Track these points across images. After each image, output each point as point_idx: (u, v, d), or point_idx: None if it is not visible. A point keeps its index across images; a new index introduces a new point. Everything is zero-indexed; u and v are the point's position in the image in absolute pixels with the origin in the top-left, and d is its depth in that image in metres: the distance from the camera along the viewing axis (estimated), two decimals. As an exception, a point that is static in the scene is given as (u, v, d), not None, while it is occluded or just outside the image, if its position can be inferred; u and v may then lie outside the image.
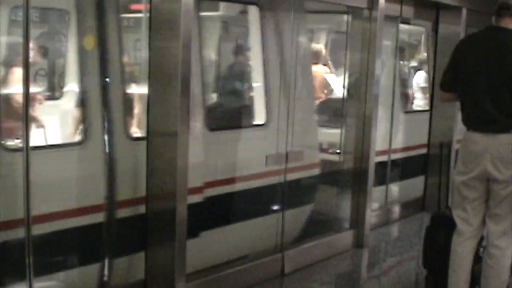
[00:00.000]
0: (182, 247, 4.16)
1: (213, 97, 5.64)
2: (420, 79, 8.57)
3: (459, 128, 6.78)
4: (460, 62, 4.43)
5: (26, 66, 3.56)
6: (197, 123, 4.64)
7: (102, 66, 4.16)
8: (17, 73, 3.97)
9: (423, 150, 7.57)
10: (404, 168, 7.37)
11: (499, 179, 4.26)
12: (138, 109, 4.64)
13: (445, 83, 4.57)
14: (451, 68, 4.50)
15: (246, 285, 4.91)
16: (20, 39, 3.61)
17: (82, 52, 4.40)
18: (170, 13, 3.99)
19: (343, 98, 6.31)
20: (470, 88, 4.36)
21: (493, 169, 4.25)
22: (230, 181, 5.03)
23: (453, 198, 4.57)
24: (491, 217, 4.38)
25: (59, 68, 5.96)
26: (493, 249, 4.36)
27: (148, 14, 4.13)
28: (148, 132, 4.20)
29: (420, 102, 8.48)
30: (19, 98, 3.68)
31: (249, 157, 5.15)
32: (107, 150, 4.13)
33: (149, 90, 4.17)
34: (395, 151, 7.13)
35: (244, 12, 5.73)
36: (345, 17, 6.34)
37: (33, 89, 4.00)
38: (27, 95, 3.56)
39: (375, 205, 6.65)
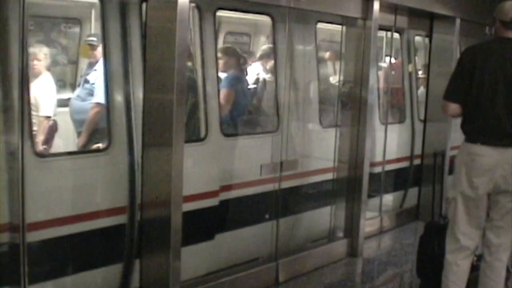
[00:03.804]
0: (177, 255, 4.16)
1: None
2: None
3: (453, 138, 6.90)
4: (472, 72, 4.20)
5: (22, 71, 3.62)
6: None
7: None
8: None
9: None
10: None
11: (509, 191, 4.21)
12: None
13: (452, 93, 4.31)
14: (460, 78, 4.28)
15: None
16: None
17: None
18: (166, 22, 4.00)
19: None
20: (481, 100, 4.18)
21: (503, 183, 4.20)
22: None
23: (455, 213, 4.36)
24: (493, 230, 4.35)
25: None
26: (496, 262, 4.34)
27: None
28: (143, 140, 4.20)
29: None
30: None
31: None
32: None
33: (144, 99, 4.19)
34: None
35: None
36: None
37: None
38: (22, 97, 3.62)
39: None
